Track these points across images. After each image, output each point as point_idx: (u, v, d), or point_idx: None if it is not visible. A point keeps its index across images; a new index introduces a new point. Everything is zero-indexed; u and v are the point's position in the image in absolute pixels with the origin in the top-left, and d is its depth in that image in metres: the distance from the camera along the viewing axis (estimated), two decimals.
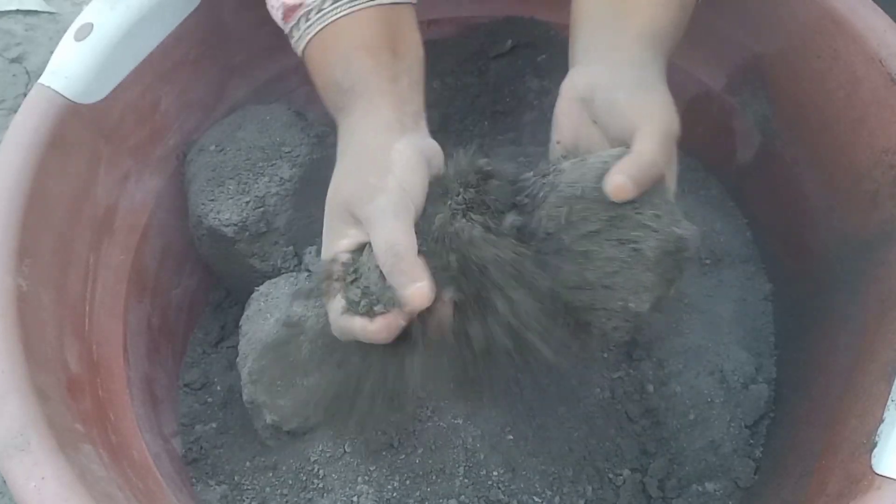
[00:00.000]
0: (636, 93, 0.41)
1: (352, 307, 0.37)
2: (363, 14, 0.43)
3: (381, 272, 0.36)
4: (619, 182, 0.36)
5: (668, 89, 0.42)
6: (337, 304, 0.38)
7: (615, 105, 0.40)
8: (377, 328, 0.36)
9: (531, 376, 0.50)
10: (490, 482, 0.48)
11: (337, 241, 0.39)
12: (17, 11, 1.01)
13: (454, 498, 0.47)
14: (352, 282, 0.38)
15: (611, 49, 0.43)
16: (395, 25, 0.44)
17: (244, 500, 0.48)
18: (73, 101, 0.47)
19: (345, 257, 0.39)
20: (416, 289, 0.35)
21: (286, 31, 0.46)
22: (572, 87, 0.43)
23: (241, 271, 0.56)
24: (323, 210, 0.59)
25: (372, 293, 0.37)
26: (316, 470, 0.47)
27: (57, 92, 0.47)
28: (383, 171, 0.39)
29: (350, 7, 0.43)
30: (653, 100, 0.40)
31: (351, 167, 0.41)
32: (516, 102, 0.67)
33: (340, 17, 0.43)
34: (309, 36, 0.44)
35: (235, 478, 0.50)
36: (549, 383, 0.51)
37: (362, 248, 0.39)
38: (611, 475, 0.50)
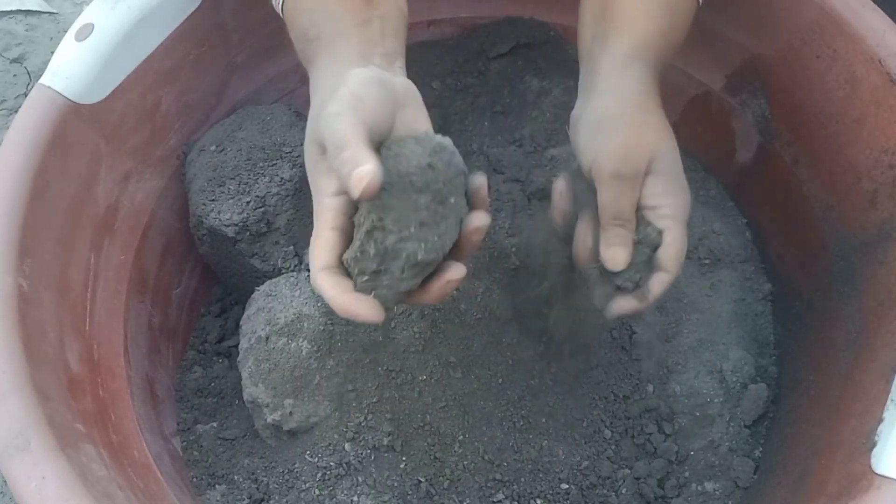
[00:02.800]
0: (591, 135, 0.43)
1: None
2: None
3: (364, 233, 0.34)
4: (612, 254, 0.42)
5: (637, 111, 0.43)
6: (320, 258, 0.35)
7: (577, 146, 0.44)
8: (338, 304, 0.34)
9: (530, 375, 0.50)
10: (490, 485, 0.48)
11: (318, 186, 0.36)
12: (18, 12, 1.01)
13: (455, 498, 0.47)
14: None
15: (591, 75, 0.45)
16: None
17: (244, 500, 0.48)
18: (73, 102, 0.47)
19: (333, 202, 0.35)
20: (357, 172, 0.31)
21: None
22: (571, 118, 0.46)
23: (242, 271, 0.56)
24: None
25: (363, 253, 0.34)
26: (316, 469, 0.47)
27: (58, 92, 0.47)
28: (337, 88, 0.36)
29: None
30: (601, 148, 0.42)
31: (314, 110, 0.39)
32: (516, 102, 0.67)
33: None
34: None
35: (235, 477, 0.50)
36: (548, 384, 0.51)
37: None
38: (611, 475, 0.50)
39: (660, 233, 0.42)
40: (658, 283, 0.43)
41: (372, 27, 0.41)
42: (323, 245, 0.35)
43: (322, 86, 0.40)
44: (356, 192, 0.32)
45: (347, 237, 0.36)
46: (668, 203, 0.43)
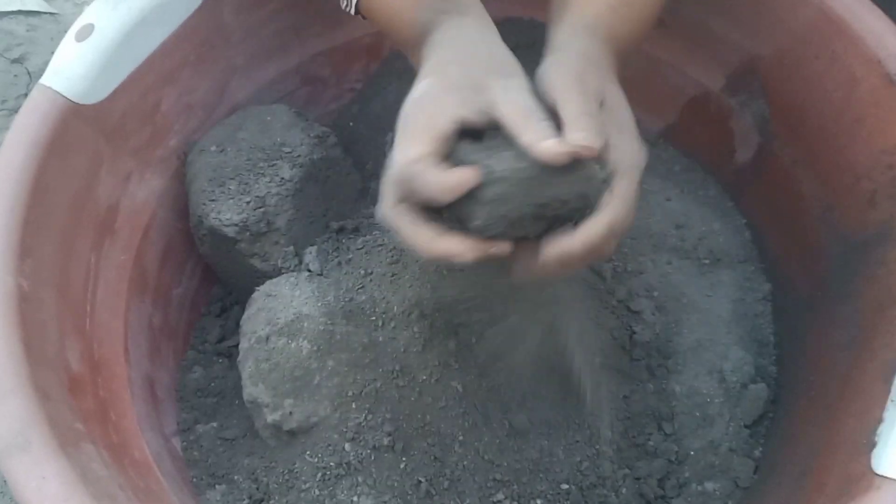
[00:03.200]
0: (549, 65, 0.40)
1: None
2: None
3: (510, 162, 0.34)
4: (579, 136, 0.35)
5: (586, 57, 0.40)
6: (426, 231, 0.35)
7: (539, 85, 0.39)
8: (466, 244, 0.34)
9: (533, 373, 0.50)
10: (490, 485, 0.48)
11: (451, 107, 0.36)
12: (19, 12, 1.01)
13: (455, 498, 0.47)
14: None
15: (550, 44, 0.43)
16: None
17: (244, 500, 0.48)
18: (74, 102, 0.47)
19: (456, 125, 0.35)
20: (551, 142, 0.33)
21: None
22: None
23: (242, 271, 0.56)
24: (322, 210, 0.59)
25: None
26: (316, 469, 0.47)
27: (58, 92, 0.47)
28: (515, 63, 0.39)
29: None
30: (560, 61, 0.40)
31: (477, 48, 0.40)
32: None
33: None
34: None
35: (236, 477, 0.50)
36: (549, 385, 0.51)
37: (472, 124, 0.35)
38: (610, 475, 0.50)
39: (608, 174, 0.36)
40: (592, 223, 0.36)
41: None
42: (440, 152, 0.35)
43: (472, 32, 0.41)
44: (555, 159, 0.33)
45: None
46: (616, 146, 0.38)
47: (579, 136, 0.35)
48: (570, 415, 0.51)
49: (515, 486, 0.48)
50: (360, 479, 0.47)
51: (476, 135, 0.37)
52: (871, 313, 0.47)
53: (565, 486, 0.49)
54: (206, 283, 0.62)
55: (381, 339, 0.49)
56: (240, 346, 0.50)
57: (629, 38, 0.45)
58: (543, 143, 0.34)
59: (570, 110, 0.36)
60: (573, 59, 0.40)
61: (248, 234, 0.54)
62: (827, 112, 0.53)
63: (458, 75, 0.38)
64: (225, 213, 0.53)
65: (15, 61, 0.98)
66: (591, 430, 0.51)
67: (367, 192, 0.62)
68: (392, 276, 0.50)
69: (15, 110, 0.93)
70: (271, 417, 0.47)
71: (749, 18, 0.58)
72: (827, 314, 0.52)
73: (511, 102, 0.36)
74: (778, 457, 0.51)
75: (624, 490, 0.50)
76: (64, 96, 0.47)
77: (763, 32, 0.57)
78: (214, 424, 0.53)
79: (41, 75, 0.48)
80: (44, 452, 0.36)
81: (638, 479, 0.51)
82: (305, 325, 0.48)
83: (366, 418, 0.47)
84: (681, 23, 0.62)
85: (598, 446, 0.50)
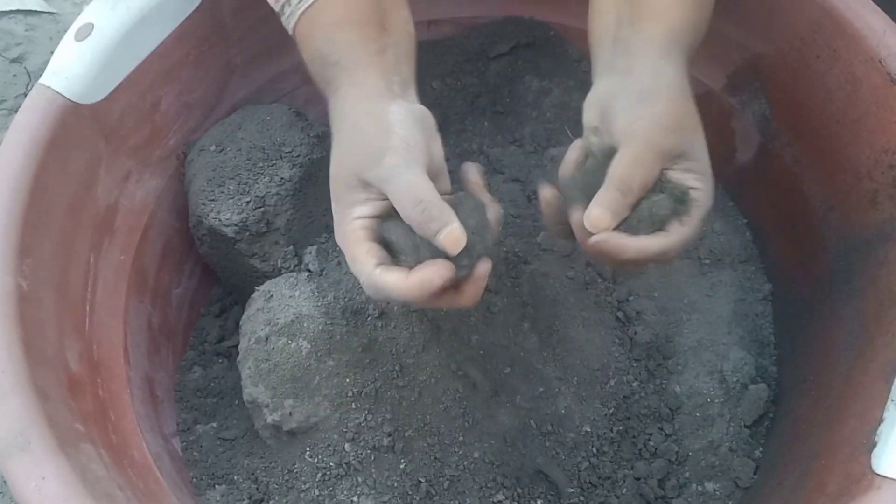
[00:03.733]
0: (630, 106, 0.41)
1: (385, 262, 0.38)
2: None
3: (405, 229, 0.37)
4: (596, 214, 0.40)
5: (679, 94, 0.42)
6: (369, 261, 0.38)
7: (611, 117, 0.42)
8: (412, 283, 0.36)
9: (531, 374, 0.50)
10: (490, 485, 0.48)
11: (351, 210, 0.39)
12: (18, 11, 1.01)
13: (455, 499, 0.47)
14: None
15: (622, 56, 0.44)
16: (382, 1, 0.44)
17: (244, 500, 0.48)
18: (73, 102, 0.47)
19: (363, 222, 0.39)
20: (449, 231, 0.36)
21: (277, 9, 0.46)
22: (594, 96, 0.44)
23: (242, 271, 0.56)
24: (322, 210, 0.59)
25: (402, 250, 0.38)
26: (316, 470, 0.47)
27: (57, 92, 0.47)
28: (384, 132, 0.40)
29: None
30: (643, 114, 0.41)
31: (351, 138, 0.41)
32: (516, 102, 0.67)
33: None
34: (299, 11, 0.44)
35: (235, 477, 0.50)
36: (551, 383, 0.51)
37: (378, 216, 0.39)
38: (611, 475, 0.50)
39: (687, 189, 0.40)
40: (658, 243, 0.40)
41: (387, 55, 0.43)
42: (368, 251, 0.38)
43: (352, 112, 0.42)
44: (452, 250, 0.37)
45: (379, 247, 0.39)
46: (698, 193, 0.41)
47: (594, 211, 0.40)
48: (571, 415, 0.50)
49: (516, 487, 0.48)
50: (359, 479, 0.47)
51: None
52: (873, 313, 0.47)
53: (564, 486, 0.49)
54: (206, 283, 0.62)
55: (381, 339, 0.49)
56: (239, 347, 0.50)
57: (694, 55, 0.45)
58: (440, 238, 0.37)
59: (614, 178, 0.40)
60: (662, 104, 0.41)
61: (247, 234, 0.54)
62: (828, 112, 0.53)
63: (347, 174, 0.40)
64: (224, 213, 0.53)
65: (14, 61, 0.98)
66: (591, 429, 0.51)
67: None
68: None
69: (14, 110, 0.93)
70: (271, 418, 0.47)
71: (751, 18, 0.58)
72: (828, 314, 0.52)
73: (399, 197, 0.38)
74: (778, 457, 0.51)
75: (624, 490, 0.50)
76: (63, 96, 0.47)
77: (765, 32, 0.57)
78: (214, 425, 0.53)
79: (40, 75, 0.48)
80: (43, 453, 0.36)
81: (638, 479, 0.51)
82: (305, 325, 0.48)
83: (365, 418, 0.47)
84: None
85: (598, 446, 0.50)
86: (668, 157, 0.41)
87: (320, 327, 0.48)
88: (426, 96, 0.67)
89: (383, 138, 0.39)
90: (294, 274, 0.53)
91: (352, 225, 0.39)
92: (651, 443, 0.52)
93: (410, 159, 0.39)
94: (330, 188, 0.41)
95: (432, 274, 0.36)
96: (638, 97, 0.41)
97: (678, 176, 0.41)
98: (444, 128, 0.67)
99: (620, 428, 0.52)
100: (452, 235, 0.36)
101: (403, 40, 0.45)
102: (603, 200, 0.40)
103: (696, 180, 0.41)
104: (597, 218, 0.39)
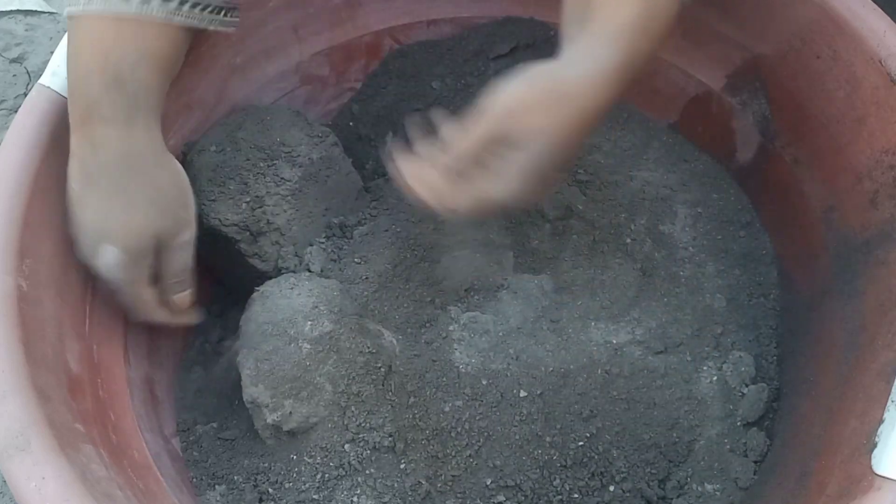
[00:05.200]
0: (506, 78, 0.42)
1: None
2: (170, 28, 0.45)
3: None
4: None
5: (553, 84, 0.41)
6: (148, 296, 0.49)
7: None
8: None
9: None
10: (491, 486, 0.48)
11: (144, 271, 0.48)
12: (18, 11, 1.01)
13: (455, 500, 0.47)
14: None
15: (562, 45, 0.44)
16: (181, 51, 0.48)
17: (244, 500, 0.48)
18: None
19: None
20: (184, 294, 0.51)
21: None
22: None
23: (242, 271, 0.56)
24: (322, 209, 0.59)
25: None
26: (316, 470, 0.47)
27: (57, 92, 0.47)
28: (185, 202, 0.49)
29: (167, 13, 0.45)
30: (497, 89, 0.41)
31: (152, 193, 0.46)
32: None
33: (154, 16, 0.44)
34: (111, 9, 0.44)
35: (235, 477, 0.49)
36: (552, 383, 0.51)
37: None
38: (610, 475, 0.50)
39: None
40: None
41: (164, 97, 0.48)
42: (150, 297, 0.49)
43: (153, 162, 0.47)
44: (177, 307, 0.52)
45: None
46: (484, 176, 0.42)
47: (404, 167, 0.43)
48: (571, 416, 0.50)
49: (516, 488, 0.48)
50: (359, 479, 0.47)
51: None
52: (873, 313, 0.47)
53: (567, 486, 0.49)
54: (206, 283, 0.62)
55: (382, 338, 0.49)
56: (240, 347, 0.50)
57: (649, 55, 0.43)
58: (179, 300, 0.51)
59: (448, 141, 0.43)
60: (519, 86, 0.41)
61: (247, 233, 0.54)
62: (828, 112, 0.53)
63: (149, 232, 0.47)
64: (224, 213, 0.53)
65: (14, 61, 0.98)
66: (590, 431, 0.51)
67: (368, 192, 0.62)
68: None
69: (14, 110, 0.93)
70: (271, 418, 0.47)
71: (751, 18, 0.58)
72: (828, 314, 0.52)
73: (172, 271, 0.50)
74: (778, 457, 0.51)
75: (623, 490, 0.50)
76: (63, 96, 0.47)
77: (764, 32, 0.57)
78: (214, 425, 0.53)
79: (40, 75, 0.48)
80: (43, 453, 0.36)
81: (638, 479, 0.51)
82: (305, 325, 0.48)
83: (366, 419, 0.47)
84: (682, 22, 0.62)
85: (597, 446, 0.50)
86: (494, 139, 0.41)
87: (320, 327, 0.48)
88: (426, 96, 0.67)
89: (185, 209, 0.49)
90: (294, 274, 0.53)
91: (143, 275, 0.48)
92: (652, 443, 0.52)
93: (194, 235, 0.49)
94: (85, 223, 0.45)
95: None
96: (517, 72, 0.42)
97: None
98: None
99: (619, 428, 0.52)
100: (184, 298, 0.51)
101: (176, 70, 0.49)
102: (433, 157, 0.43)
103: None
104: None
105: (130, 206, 0.45)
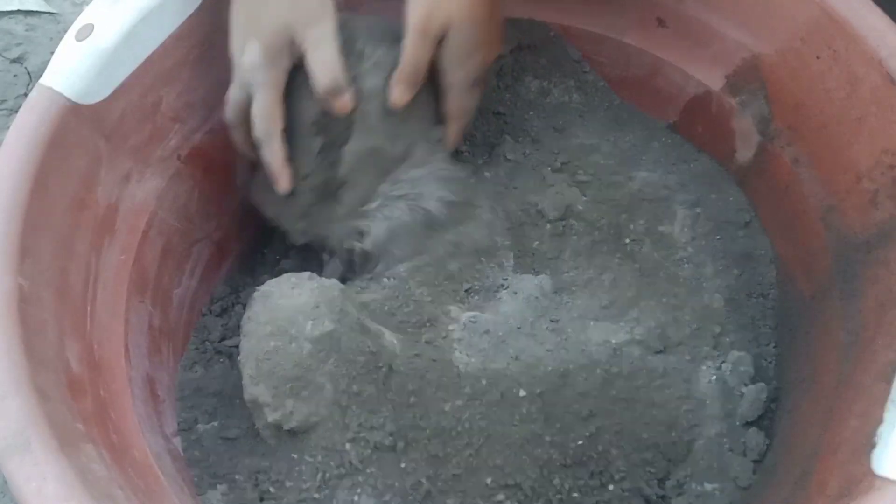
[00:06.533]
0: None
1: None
2: None
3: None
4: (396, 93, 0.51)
5: None
6: (277, 127, 0.50)
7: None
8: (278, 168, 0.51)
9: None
10: (492, 486, 0.48)
11: (280, 76, 0.48)
12: (18, 12, 1.01)
13: (456, 500, 0.47)
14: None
15: None
16: None
17: (245, 499, 0.48)
18: (73, 102, 0.47)
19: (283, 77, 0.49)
20: (342, 101, 0.49)
21: None
22: None
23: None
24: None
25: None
26: (317, 469, 0.47)
27: (58, 92, 0.47)
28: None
29: None
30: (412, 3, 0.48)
31: None
32: (515, 104, 0.67)
33: None
34: None
35: (236, 477, 0.50)
36: (554, 383, 0.51)
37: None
38: (609, 474, 0.50)
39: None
40: (449, 129, 0.55)
41: None
42: (280, 116, 0.49)
43: None
44: (340, 112, 0.50)
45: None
46: (450, 71, 0.52)
47: (395, 91, 0.51)
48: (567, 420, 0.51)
49: (517, 488, 0.48)
50: (360, 479, 0.47)
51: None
52: (873, 313, 0.47)
53: (568, 487, 0.49)
54: (207, 282, 0.62)
55: (382, 338, 0.49)
56: (240, 346, 0.50)
57: None
58: (334, 104, 0.49)
59: (407, 63, 0.50)
60: None
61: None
62: (828, 112, 0.53)
63: (279, 23, 0.47)
64: None
65: (14, 61, 0.98)
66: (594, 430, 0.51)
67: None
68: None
69: (14, 110, 0.93)
70: (272, 417, 0.47)
71: (750, 17, 0.58)
72: (828, 314, 0.52)
73: (320, 68, 0.48)
74: (778, 457, 0.51)
75: (623, 491, 0.50)
76: (63, 96, 0.47)
77: (764, 31, 0.57)
78: (215, 424, 0.53)
79: (41, 75, 0.48)
80: (44, 453, 0.36)
81: (637, 478, 0.51)
82: (306, 324, 0.48)
83: (367, 418, 0.47)
84: (681, 22, 0.62)
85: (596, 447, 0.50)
86: (436, 38, 0.49)
87: (322, 326, 0.48)
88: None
89: (321, 2, 0.47)
90: (295, 274, 0.53)
91: (279, 77, 0.48)
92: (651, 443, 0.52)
93: (337, 32, 0.48)
94: (239, 19, 0.48)
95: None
96: None
97: (438, 60, 0.52)
98: None
99: (618, 428, 0.52)
100: (344, 101, 0.49)
101: None
102: (401, 80, 0.50)
103: (450, 61, 0.52)
104: (399, 95, 0.50)
105: (257, 3, 0.47)
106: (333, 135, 0.52)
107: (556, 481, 0.48)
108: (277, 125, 0.49)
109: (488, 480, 0.47)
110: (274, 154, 0.50)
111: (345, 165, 0.53)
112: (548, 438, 0.49)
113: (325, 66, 0.47)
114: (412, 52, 0.49)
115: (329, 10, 0.48)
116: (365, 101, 0.51)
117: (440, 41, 0.50)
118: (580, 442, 0.49)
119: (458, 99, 0.54)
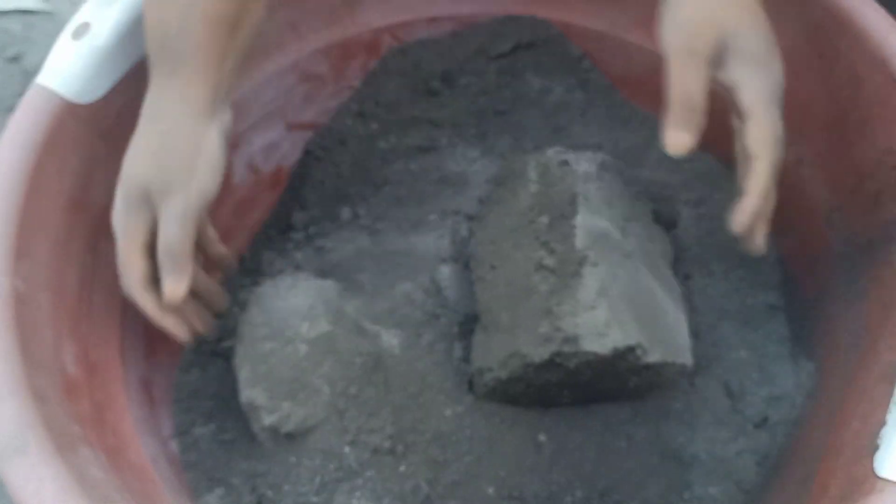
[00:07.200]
0: (667, 11, 0.42)
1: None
2: None
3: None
4: (671, 135, 0.42)
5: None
6: (136, 272, 0.45)
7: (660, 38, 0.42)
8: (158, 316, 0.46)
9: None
10: (492, 490, 0.47)
11: (136, 227, 0.45)
12: (15, 11, 1.01)
13: (455, 503, 0.47)
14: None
15: None
16: (242, 12, 0.45)
17: (242, 503, 0.48)
18: (69, 101, 0.47)
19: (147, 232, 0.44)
20: (171, 280, 0.43)
21: None
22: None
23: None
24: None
25: None
26: (314, 473, 0.47)
27: (54, 91, 0.47)
28: (188, 165, 0.43)
29: None
30: (675, 22, 0.41)
31: (156, 144, 0.44)
32: (516, 102, 0.66)
33: None
34: None
35: (233, 480, 0.49)
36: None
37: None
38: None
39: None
40: (753, 174, 0.42)
41: (227, 63, 0.45)
42: (138, 265, 0.45)
43: (169, 117, 0.44)
44: (166, 297, 0.45)
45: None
46: (749, 84, 0.41)
47: (669, 134, 0.41)
48: (572, 419, 0.50)
49: (518, 491, 0.48)
50: (359, 482, 0.46)
51: None
52: (877, 314, 0.47)
53: (567, 497, 0.48)
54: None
55: (381, 339, 0.49)
56: (236, 348, 0.50)
57: None
58: (165, 288, 0.44)
59: (672, 96, 0.41)
60: (689, 5, 0.40)
61: None
62: (831, 111, 0.53)
63: (140, 181, 0.44)
64: None
65: (10, 60, 0.97)
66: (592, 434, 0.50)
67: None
68: None
69: (10, 109, 0.92)
70: (269, 420, 0.47)
71: None
72: (831, 315, 0.52)
73: (162, 237, 0.44)
74: (781, 460, 0.51)
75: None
76: (60, 95, 0.47)
77: None
78: (212, 427, 0.53)
79: (37, 74, 0.47)
80: (41, 456, 0.36)
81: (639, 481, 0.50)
82: (303, 326, 0.48)
83: (366, 421, 0.47)
84: None
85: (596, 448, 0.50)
86: (710, 58, 0.40)
87: (319, 328, 0.48)
88: (426, 95, 0.67)
89: (185, 170, 0.43)
90: (293, 275, 0.53)
91: (129, 240, 0.45)
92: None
93: (193, 209, 0.43)
94: (123, 173, 0.45)
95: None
96: (672, 3, 0.41)
97: (724, 77, 0.41)
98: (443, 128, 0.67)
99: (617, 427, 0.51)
100: (172, 286, 0.44)
101: (246, 44, 0.46)
102: (673, 120, 0.41)
103: (745, 73, 0.41)
104: (674, 142, 0.41)
105: (134, 152, 0.44)
106: None
107: (568, 500, 0.47)
108: (136, 275, 0.45)
109: (490, 490, 0.47)
110: (146, 304, 0.45)
111: None
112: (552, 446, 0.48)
113: (164, 244, 0.43)
114: (680, 76, 0.40)
115: (194, 190, 0.43)
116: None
117: (716, 62, 0.41)
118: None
119: (763, 121, 0.42)
